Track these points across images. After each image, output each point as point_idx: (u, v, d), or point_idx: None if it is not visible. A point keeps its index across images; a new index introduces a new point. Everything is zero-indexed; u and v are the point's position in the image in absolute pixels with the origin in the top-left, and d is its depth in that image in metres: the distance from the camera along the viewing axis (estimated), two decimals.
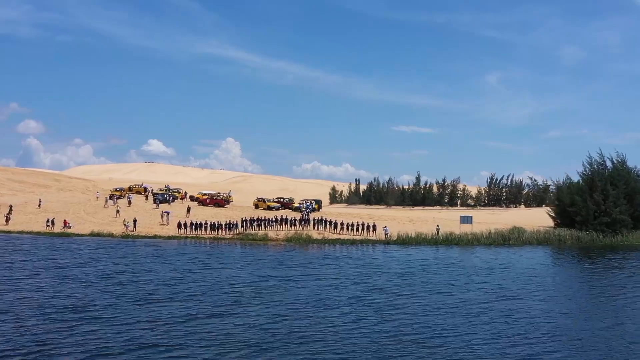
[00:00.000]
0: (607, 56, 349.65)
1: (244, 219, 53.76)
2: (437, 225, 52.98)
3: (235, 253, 42.35)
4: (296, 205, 64.52)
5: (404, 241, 49.80)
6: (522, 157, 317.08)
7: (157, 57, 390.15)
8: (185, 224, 53.88)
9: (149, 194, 70.62)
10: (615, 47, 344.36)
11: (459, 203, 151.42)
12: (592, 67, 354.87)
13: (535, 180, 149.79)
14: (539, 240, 51.72)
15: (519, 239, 51.16)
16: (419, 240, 50.08)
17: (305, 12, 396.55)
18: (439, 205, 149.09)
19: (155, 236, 52.68)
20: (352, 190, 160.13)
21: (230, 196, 69.66)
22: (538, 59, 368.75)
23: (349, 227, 52.71)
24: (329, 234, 52.22)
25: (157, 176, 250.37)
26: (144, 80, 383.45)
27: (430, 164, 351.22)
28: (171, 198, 66.86)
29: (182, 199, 68.11)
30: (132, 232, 53.83)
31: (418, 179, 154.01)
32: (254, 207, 66.30)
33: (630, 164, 65.44)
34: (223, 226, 53.27)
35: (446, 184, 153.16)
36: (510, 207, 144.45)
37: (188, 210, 59.86)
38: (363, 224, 53.08)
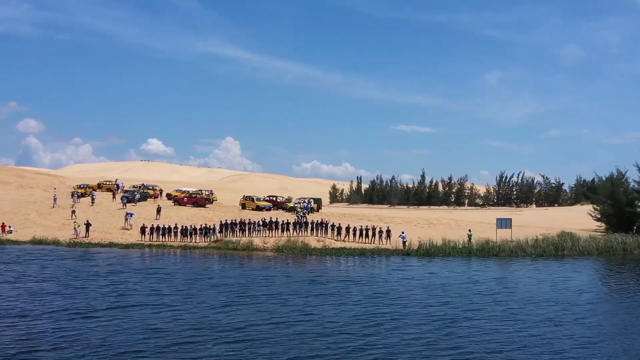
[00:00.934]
0: (607, 56, 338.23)
1: (223, 222, 41.47)
2: (469, 231, 40.44)
3: (194, 271, 29.70)
4: (291, 204, 52.20)
5: (427, 251, 37.40)
6: (521, 157, 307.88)
7: (157, 56, 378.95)
8: (150, 229, 41.61)
9: (120, 191, 58.38)
10: (615, 46, 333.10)
11: (466, 202, 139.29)
12: (592, 67, 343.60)
13: (547, 178, 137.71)
14: (599, 249, 39.30)
15: (574, 248, 38.79)
16: (447, 250, 37.76)
17: (306, 12, 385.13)
18: (445, 205, 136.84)
19: (110, 244, 40.41)
20: (354, 189, 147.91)
21: (213, 194, 57.37)
22: (538, 59, 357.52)
23: (357, 233, 40.43)
24: (331, 241, 39.88)
25: (154, 175, 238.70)
26: (143, 80, 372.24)
27: (430, 164, 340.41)
28: (139, 196, 54.57)
29: (155, 197, 55.80)
30: (84, 239, 41.60)
31: (423, 177, 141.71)
32: (240, 207, 53.99)
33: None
34: (197, 231, 41.00)
35: (452, 182, 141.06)
36: (521, 207, 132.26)
37: (158, 210, 47.45)
38: (374, 229, 40.72)
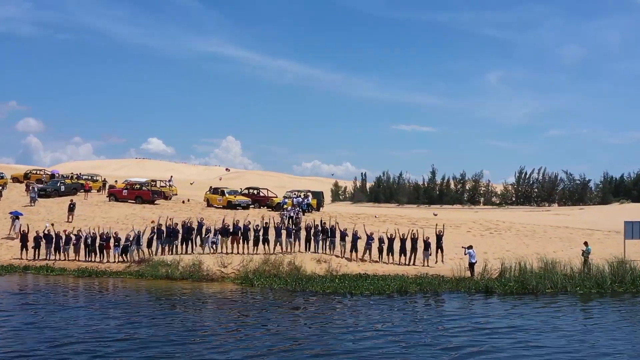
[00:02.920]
0: (608, 55, 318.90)
1: (156, 226, 23.30)
2: (586, 245, 22.20)
3: None
4: (279, 200, 34.09)
5: (523, 284, 19.26)
6: (522, 156, 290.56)
7: (157, 56, 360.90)
8: (36, 239, 23.50)
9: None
10: (616, 46, 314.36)
11: (481, 201, 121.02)
12: (592, 66, 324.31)
13: (571, 175, 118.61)
14: None
15: None
16: (557, 282, 19.53)
17: (306, 11, 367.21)
18: (458, 204, 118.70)
19: None
20: (358, 186, 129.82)
21: (171, 186, 39.43)
22: (538, 58, 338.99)
23: (385, 246, 22.39)
24: (340, 261, 21.85)
25: (147, 172, 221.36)
26: (143, 79, 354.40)
27: (430, 163, 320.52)
28: (64, 189, 36.54)
29: (88, 190, 37.60)
30: None
31: (433, 173, 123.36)
32: (205, 203, 36.01)
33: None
34: (110, 244, 22.96)
35: (466, 179, 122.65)
36: (543, 206, 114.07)
37: (70, 208, 29.36)
38: (415, 238, 22.65)
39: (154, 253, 21.88)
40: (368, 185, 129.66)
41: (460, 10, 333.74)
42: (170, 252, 21.89)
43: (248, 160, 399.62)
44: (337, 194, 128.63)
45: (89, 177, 42.00)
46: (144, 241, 22.28)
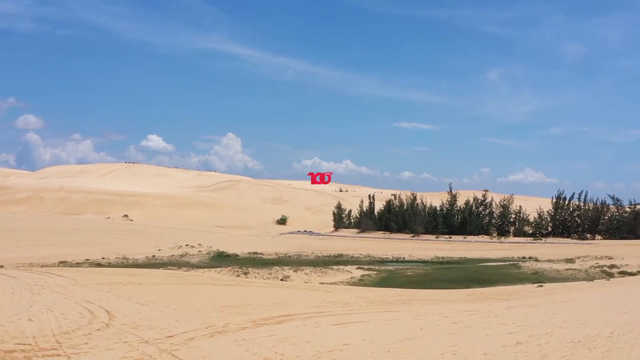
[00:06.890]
0: (610, 53, 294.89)
1: None
2: None
3: None
4: None
5: None
6: (522, 154, 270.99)
7: (157, 52, 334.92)
8: None
9: None
10: (618, 43, 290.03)
11: (512, 231, 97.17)
12: (594, 64, 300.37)
13: (619, 201, 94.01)
14: None
15: None
16: None
17: (307, 8, 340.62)
18: (485, 234, 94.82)
19: None
20: (365, 209, 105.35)
21: None
22: (540, 55, 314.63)
23: None
24: None
25: (137, 178, 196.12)
26: (143, 75, 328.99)
27: (431, 161, 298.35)
28: None
29: None
30: None
31: (453, 196, 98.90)
32: None
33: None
34: None
35: (487, 201, 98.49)
36: (586, 239, 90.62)
37: None
38: None
39: None
40: (376, 208, 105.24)
41: (461, 8, 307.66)
42: None
43: (248, 157, 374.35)
44: (341, 218, 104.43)
45: None
46: None
